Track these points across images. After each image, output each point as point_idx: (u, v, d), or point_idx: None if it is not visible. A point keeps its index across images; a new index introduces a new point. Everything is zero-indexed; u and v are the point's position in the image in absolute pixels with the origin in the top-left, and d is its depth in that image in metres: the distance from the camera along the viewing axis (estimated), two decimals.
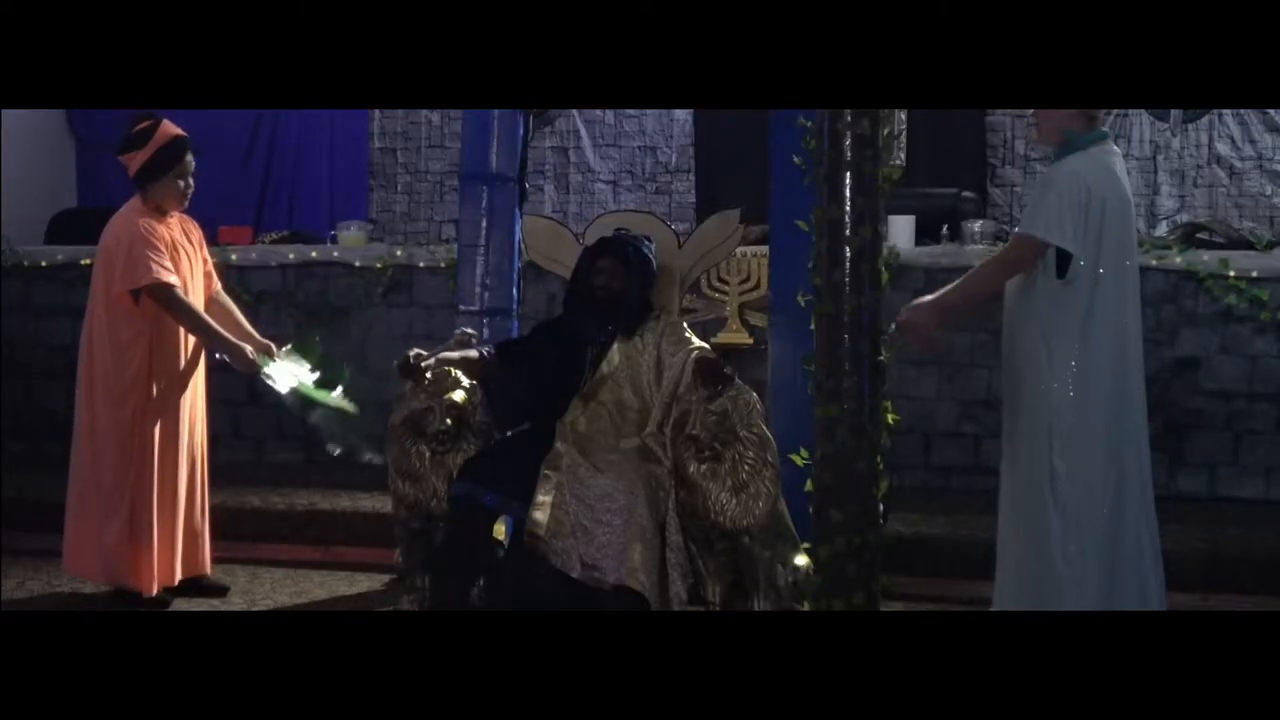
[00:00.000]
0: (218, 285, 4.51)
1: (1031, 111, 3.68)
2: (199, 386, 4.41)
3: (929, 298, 3.57)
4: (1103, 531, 3.43)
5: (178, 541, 4.30)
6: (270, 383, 4.29)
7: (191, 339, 4.32)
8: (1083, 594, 3.41)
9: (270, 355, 4.32)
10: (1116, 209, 3.45)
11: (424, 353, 3.80)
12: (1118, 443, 3.45)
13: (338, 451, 4.28)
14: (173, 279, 4.15)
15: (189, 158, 4.27)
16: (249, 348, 4.25)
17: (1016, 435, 3.54)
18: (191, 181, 4.30)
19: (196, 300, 4.32)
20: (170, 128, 4.24)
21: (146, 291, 4.14)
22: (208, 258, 4.48)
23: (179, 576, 4.33)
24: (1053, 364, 3.43)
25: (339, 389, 4.30)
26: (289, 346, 4.39)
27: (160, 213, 4.25)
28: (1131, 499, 3.47)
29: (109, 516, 4.21)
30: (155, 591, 4.23)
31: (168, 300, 4.16)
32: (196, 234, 4.42)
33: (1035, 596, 3.45)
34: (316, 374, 4.32)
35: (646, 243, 4.02)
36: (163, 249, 4.17)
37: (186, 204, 4.33)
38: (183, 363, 4.30)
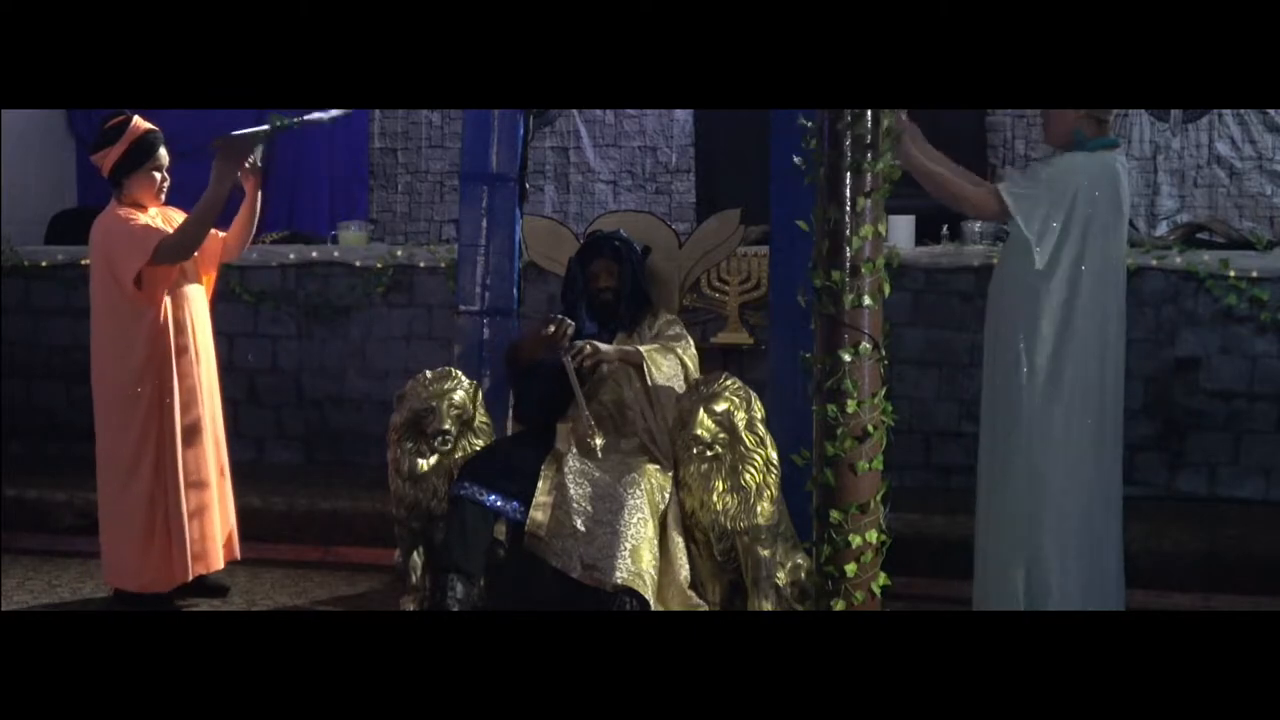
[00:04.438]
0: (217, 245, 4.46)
1: (1037, 112, 3.71)
2: (213, 380, 4.42)
3: (915, 148, 3.57)
4: (1080, 527, 3.46)
5: (213, 527, 4.33)
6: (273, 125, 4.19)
7: (197, 332, 4.32)
8: (1065, 589, 3.43)
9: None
10: (1107, 214, 3.47)
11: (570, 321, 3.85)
12: (1093, 441, 3.48)
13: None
14: (163, 232, 4.13)
15: (162, 151, 4.27)
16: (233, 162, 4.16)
17: (996, 436, 3.56)
18: (166, 175, 4.30)
19: (199, 283, 4.35)
20: (141, 123, 4.24)
21: (153, 262, 4.11)
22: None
23: (221, 562, 4.37)
24: (1030, 361, 3.46)
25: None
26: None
27: (139, 208, 4.25)
28: (1101, 498, 3.50)
29: (133, 519, 4.22)
30: (190, 578, 4.27)
31: (170, 248, 4.11)
32: (180, 221, 4.41)
33: (1018, 593, 3.47)
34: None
35: (622, 233, 4.09)
36: (147, 223, 4.17)
37: (163, 198, 4.33)
38: (192, 356, 4.29)
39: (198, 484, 4.28)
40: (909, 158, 3.49)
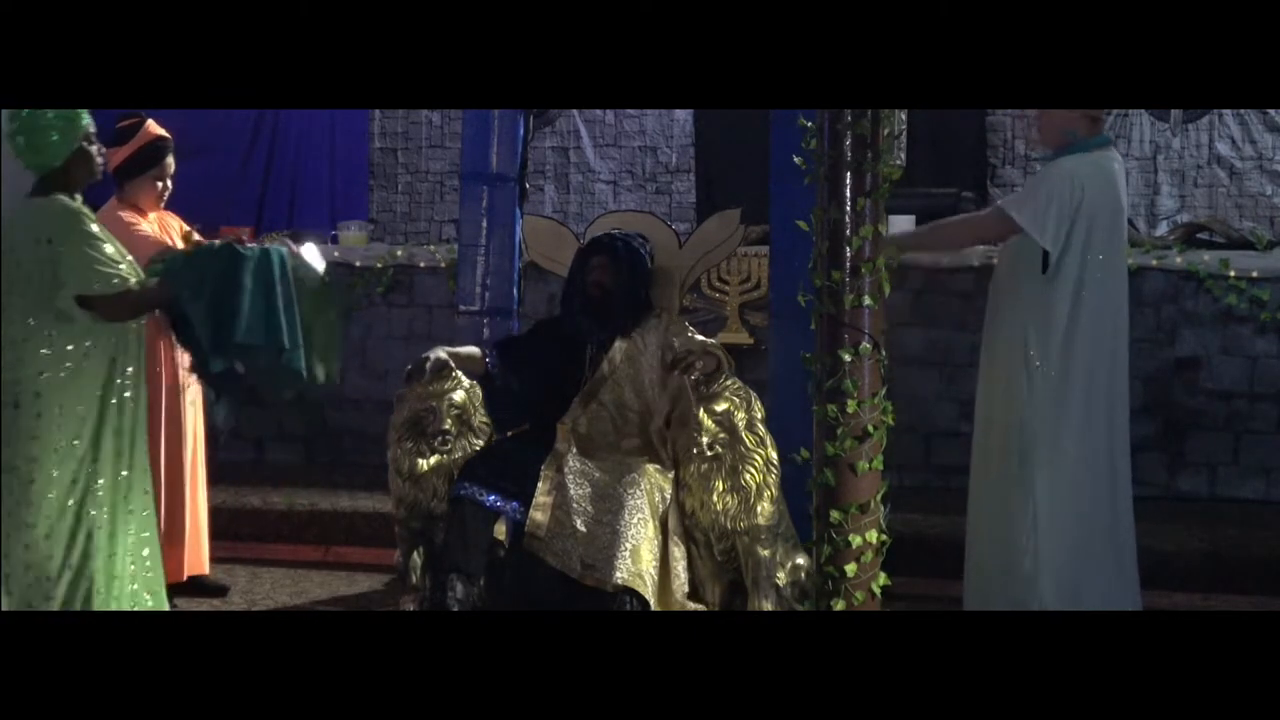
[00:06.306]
0: None
1: (1034, 112, 3.71)
2: (194, 389, 4.38)
3: (895, 233, 3.64)
4: (1074, 533, 3.46)
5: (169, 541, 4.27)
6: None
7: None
8: (1046, 593, 3.43)
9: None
10: (1108, 215, 3.47)
11: (441, 357, 3.71)
12: (1096, 445, 3.47)
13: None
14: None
15: (169, 159, 4.25)
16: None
17: (991, 434, 3.56)
18: (170, 183, 4.28)
19: None
20: (154, 128, 4.23)
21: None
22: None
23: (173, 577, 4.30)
24: (1032, 365, 3.45)
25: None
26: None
27: (138, 211, 4.23)
28: (1106, 501, 3.50)
29: None
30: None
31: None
32: (179, 229, 4.39)
33: (1002, 595, 3.48)
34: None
35: (640, 239, 4.02)
36: (148, 235, 4.14)
37: (163, 205, 4.32)
38: (163, 363, 4.23)
39: (158, 490, 4.19)
40: (910, 248, 3.60)
